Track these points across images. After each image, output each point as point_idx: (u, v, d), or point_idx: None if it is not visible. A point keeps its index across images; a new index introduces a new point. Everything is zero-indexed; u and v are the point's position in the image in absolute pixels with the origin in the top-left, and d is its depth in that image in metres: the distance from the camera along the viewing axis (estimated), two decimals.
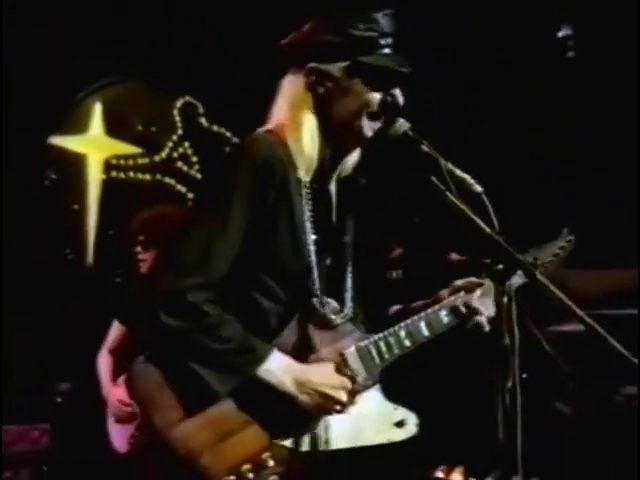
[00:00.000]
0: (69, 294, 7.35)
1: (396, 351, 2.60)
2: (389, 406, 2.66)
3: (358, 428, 2.59)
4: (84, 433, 5.89)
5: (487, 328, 2.66)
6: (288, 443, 2.51)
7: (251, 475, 2.43)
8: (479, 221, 2.37)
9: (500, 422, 2.24)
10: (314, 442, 2.51)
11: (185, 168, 8.12)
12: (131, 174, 7.91)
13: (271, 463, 2.46)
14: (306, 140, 2.54)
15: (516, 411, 2.23)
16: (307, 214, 2.53)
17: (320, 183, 2.60)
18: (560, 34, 7.17)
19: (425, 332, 2.64)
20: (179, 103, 8.03)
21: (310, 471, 2.55)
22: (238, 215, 2.41)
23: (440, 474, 6.58)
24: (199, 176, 8.15)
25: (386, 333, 2.62)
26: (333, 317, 2.58)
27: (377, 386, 2.66)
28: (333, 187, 2.66)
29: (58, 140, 7.67)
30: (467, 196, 2.41)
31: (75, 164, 7.83)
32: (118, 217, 7.66)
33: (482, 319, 2.68)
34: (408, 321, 2.64)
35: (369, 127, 2.55)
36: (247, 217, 2.42)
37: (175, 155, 8.10)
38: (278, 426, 2.48)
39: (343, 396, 2.48)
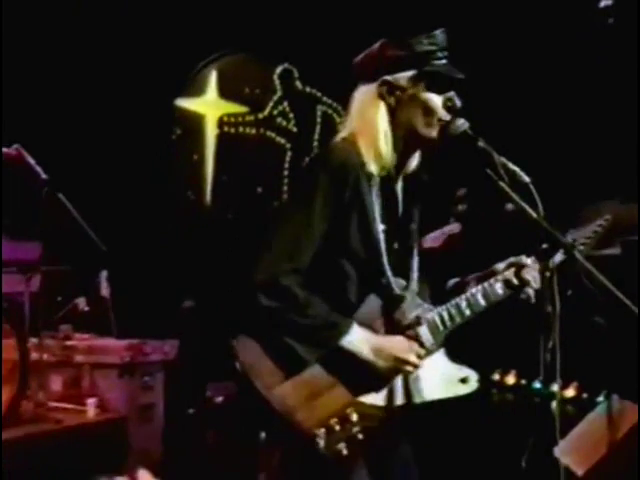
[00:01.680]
0: (191, 226, 8.05)
1: (458, 319, 2.65)
2: (454, 366, 2.70)
3: (428, 385, 2.64)
4: (205, 345, 6.19)
5: (533, 299, 2.68)
6: (369, 400, 2.57)
7: (338, 427, 2.50)
8: (527, 207, 2.46)
9: (541, 373, 2.40)
10: (391, 398, 2.59)
11: (284, 123, 8.67)
12: (240, 129, 8.48)
13: (354, 417, 2.54)
14: (381, 143, 2.58)
15: (556, 366, 2.38)
16: (377, 207, 2.58)
17: (389, 180, 2.65)
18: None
19: (482, 302, 2.67)
20: (278, 69, 8.56)
21: (388, 423, 2.60)
22: (319, 213, 2.50)
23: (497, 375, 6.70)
24: (295, 130, 8.70)
25: (449, 305, 2.65)
26: (401, 292, 2.62)
27: (442, 350, 2.69)
28: (400, 183, 2.70)
29: (182, 102, 8.32)
30: (517, 185, 2.50)
31: (195, 122, 8.41)
32: (230, 164, 8.46)
33: (530, 291, 2.68)
34: (468, 293, 2.67)
35: (434, 128, 2.60)
36: (327, 214, 2.51)
37: (275, 112, 8.63)
38: (359, 386, 2.54)
39: (412, 358, 2.54)
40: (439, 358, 2.66)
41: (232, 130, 8.49)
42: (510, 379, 6.55)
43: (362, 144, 2.57)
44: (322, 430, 2.44)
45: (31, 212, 5.60)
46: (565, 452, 3.33)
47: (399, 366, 2.53)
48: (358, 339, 2.49)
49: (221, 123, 8.47)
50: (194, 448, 5.74)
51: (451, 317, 2.62)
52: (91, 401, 5.53)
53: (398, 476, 2.70)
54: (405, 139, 2.60)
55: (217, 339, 2.85)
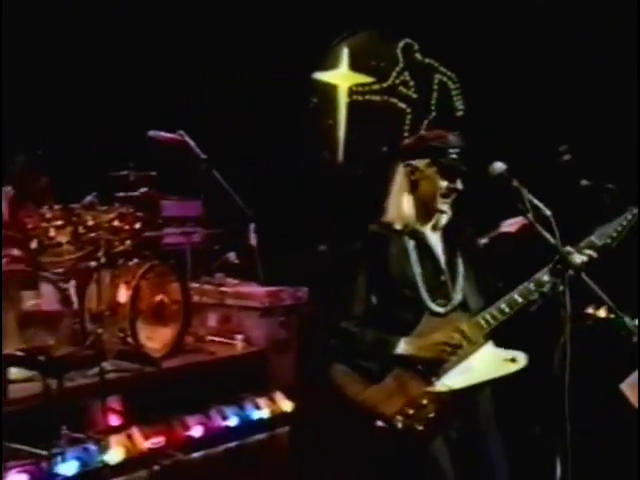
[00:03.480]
0: (327, 181, 8.55)
1: (499, 316, 2.94)
2: (502, 351, 2.98)
3: (481, 369, 2.95)
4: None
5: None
6: (433, 388, 2.92)
7: (412, 411, 2.87)
8: (547, 235, 2.80)
9: (556, 365, 2.75)
10: (450, 383, 2.93)
11: (405, 90, 9.00)
12: (367, 97, 8.87)
13: (424, 401, 2.88)
14: (404, 207, 3.04)
15: (566, 356, 2.71)
16: (414, 257, 3.02)
17: (422, 235, 3.07)
18: None
19: (520, 300, 2.94)
20: (401, 44, 8.90)
21: (456, 403, 2.93)
22: (360, 279, 3.02)
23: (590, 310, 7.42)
24: (415, 96, 8.99)
25: (491, 308, 2.96)
26: (443, 309, 3.00)
27: (490, 342, 2.99)
28: (437, 235, 3.10)
29: (319, 75, 8.83)
30: (540, 216, 2.83)
31: (330, 91, 8.92)
32: (359, 127, 8.89)
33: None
34: (506, 297, 2.95)
35: (442, 203, 3.02)
36: (365, 278, 3.01)
37: (397, 82, 8.97)
38: (422, 378, 2.92)
39: (451, 341, 2.90)
40: (488, 348, 2.99)
41: (360, 98, 8.90)
42: (602, 313, 6.90)
43: (392, 212, 3.08)
44: (400, 417, 2.87)
45: (193, 181, 6.39)
46: (629, 385, 3.79)
47: (442, 351, 2.90)
48: (405, 346, 2.92)
49: (351, 92, 8.91)
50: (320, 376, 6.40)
51: (493, 317, 2.95)
52: (239, 336, 6.11)
53: (472, 443, 3.03)
54: (425, 205, 3.06)
55: (344, 277, 3.17)
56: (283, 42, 8.02)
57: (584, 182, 4.63)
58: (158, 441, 5.03)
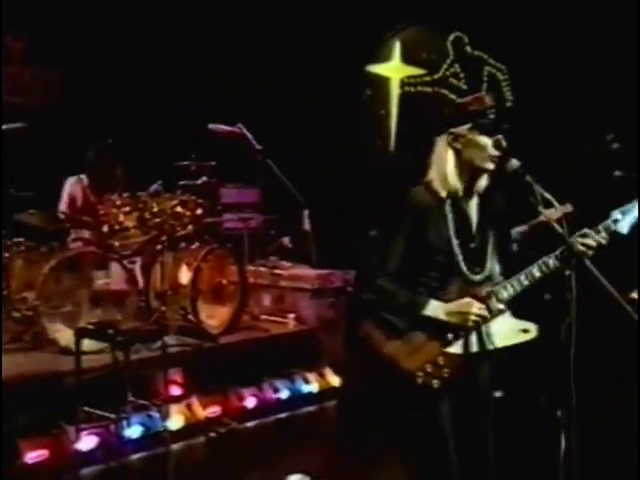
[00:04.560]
0: (379, 168, 8.63)
1: (518, 288, 3.04)
2: (517, 321, 3.07)
3: (498, 337, 3.05)
4: None
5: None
6: (451, 350, 3.01)
7: (430, 369, 2.98)
8: (557, 225, 2.95)
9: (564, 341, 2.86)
10: (468, 347, 3.03)
11: (455, 82, 9.10)
12: (418, 88, 9.03)
13: (442, 361, 2.99)
14: (449, 174, 3.04)
15: (571, 333, 2.86)
16: (451, 222, 3.05)
17: (460, 201, 3.08)
18: None
19: (537, 274, 3.04)
20: (451, 37, 9.05)
21: (470, 365, 3.04)
22: (398, 236, 3.04)
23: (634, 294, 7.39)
24: (465, 87, 9.05)
25: (511, 279, 3.07)
26: (474, 278, 3.06)
27: (508, 311, 3.07)
28: (474, 200, 3.12)
29: (372, 68, 8.98)
30: (548, 207, 2.98)
31: (382, 83, 9.05)
32: (410, 117, 9.00)
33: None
34: (526, 270, 3.05)
35: (489, 162, 3.02)
36: (404, 236, 3.03)
37: (448, 73, 9.08)
38: (442, 339, 3.01)
39: (475, 310, 2.98)
40: (506, 317, 3.05)
41: (412, 89, 9.08)
42: None
43: (434, 180, 3.06)
44: (420, 373, 2.98)
45: (250, 170, 6.70)
46: None
47: (466, 319, 2.97)
48: (434, 308, 2.99)
49: (403, 84, 9.09)
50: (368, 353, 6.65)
51: (513, 287, 3.03)
52: (291, 315, 6.37)
53: (472, 403, 3.12)
54: (468, 170, 3.06)
55: (384, 235, 3.20)
56: (339, 36, 8.14)
57: (617, 173, 4.77)
58: (215, 410, 5.36)
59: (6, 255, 5.66)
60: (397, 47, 8.99)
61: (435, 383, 2.99)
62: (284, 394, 5.74)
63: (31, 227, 5.69)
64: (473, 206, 3.13)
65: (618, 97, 7.38)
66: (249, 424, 5.44)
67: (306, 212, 6.91)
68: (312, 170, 7.73)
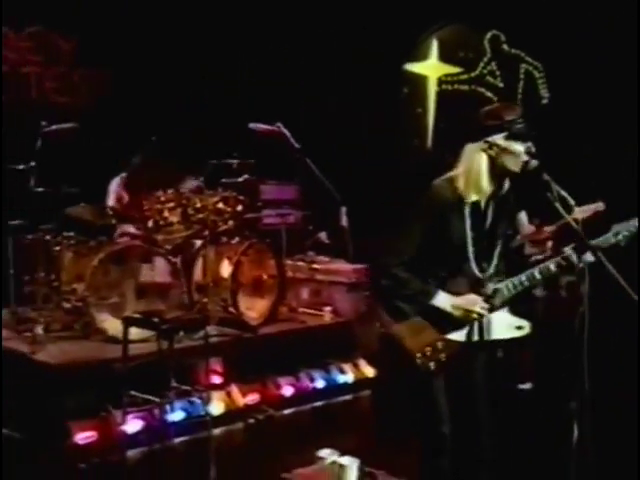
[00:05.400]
0: (416, 166, 8.57)
1: (519, 288, 3.25)
2: (514, 318, 3.29)
3: (495, 330, 3.26)
4: None
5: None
6: (451, 336, 3.26)
7: (429, 352, 3.23)
8: (572, 220, 3.14)
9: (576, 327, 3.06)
10: (468, 336, 3.27)
11: (492, 80, 9.28)
12: (455, 86, 9.22)
13: (440, 346, 3.24)
14: (483, 181, 3.21)
15: (584, 324, 3.05)
16: (468, 220, 3.24)
17: (479, 203, 3.26)
18: None
19: (539, 277, 3.24)
20: (488, 35, 9.25)
21: (465, 353, 3.28)
22: (415, 228, 3.24)
23: None
24: (501, 85, 9.23)
25: (513, 278, 3.26)
26: (481, 274, 3.27)
27: (506, 307, 3.29)
28: (492, 204, 3.29)
29: (409, 66, 9.16)
30: (565, 205, 3.16)
31: (420, 82, 9.25)
32: (447, 115, 9.16)
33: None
34: (527, 271, 3.25)
35: (518, 166, 3.18)
36: (421, 228, 3.22)
37: (485, 72, 9.26)
38: (445, 328, 3.25)
39: (477, 309, 3.21)
40: (505, 312, 3.28)
41: (449, 87, 9.30)
42: None
43: (462, 181, 3.22)
44: (420, 353, 3.23)
45: (289, 168, 6.91)
46: None
47: (468, 315, 3.22)
48: (442, 299, 3.22)
49: (440, 82, 9.28)
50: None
51: (515, 286, 3.25)
52: (327, 308, 6.58)
53: (466, 387, 3.36)
54: (499, 175, 3.23)
55: (402, 225, 3.35)
56: (376, 35, 8.37)
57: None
58: (253, 398, 5.62)
59: (57, 248, 5.98)
60: (434, 46, 9.16)
61: (432, 365, 3.23)
62: (320, 383, 5.98)
63: (82, 221, 5.98)
64: (491, 206, 3.31)
65: None
66: (286, 411, 5.68)
67: (343, 209, 7.04)
68: (350, 168, 7.89)
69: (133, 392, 4.78)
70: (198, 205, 5.91)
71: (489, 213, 3.30)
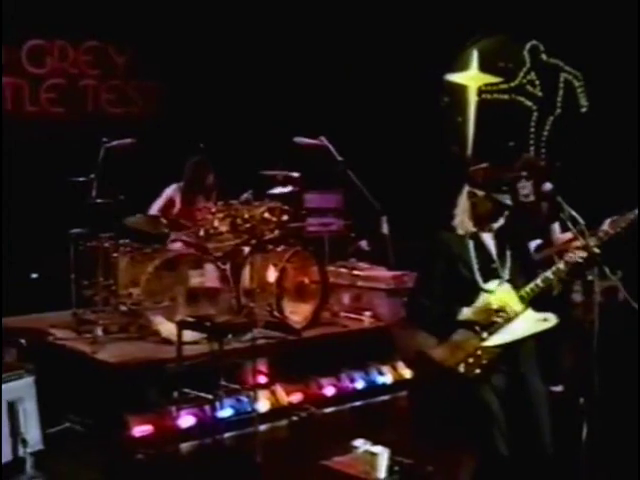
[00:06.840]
0: (456, 174, 8.99)
1: (536, 289, 3.65)
2: (537, 313, 3.67)
3: (522, 328, 3.65)
4: None
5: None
6: (487, 343, 3.63)
7: (471, 360, 3.58)
8: (580, 237, 3.64)
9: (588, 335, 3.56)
10: (500, 340, 3.64)
11: (531, 89, 9.43)
12: (495, 95, 9.40)
13: (480, 353, 3.59)
14: (465, 219, 3.72)
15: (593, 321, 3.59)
16: (472, 253, 3.71)
17: (478, 237, 3.74)
18: None
19: (552, 277, 3.65)
20: (527, 46, 9.36)
21: (502, 354, 3.63)
22: (433, 272, 3.74)
23: None
24: (540, 94, 9.40)
25: (530, 284, 3.68)
26: (492, 287, 3.71)
27: (530, 308, 3.67)
28: (490, 236, 3.76)
29: (450, 76, 9.40)
30: (574, 222, 3.67)
31: (460, 91, 9.46)
32: (487, 124, 9.36)
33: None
34: (542, 275, 3.66)
35: (495, 217, 3.72)
36: (438, 271, 3.71)
37: (524, 81, 9.40)
38: (478, 337, 3.63)
39: (494, 307, 3.63)
40: (528, 312, 3.68)
41: (489, 97, 9.49)
42: None
43: (457, 223, 3.79)
44: (463, 364, 3.62)
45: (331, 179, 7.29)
46: None
47: (490, 315, 3.64)
48: (466, 313, 3.67)
49: (480, 91, 9.48)
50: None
51: (532, 290, 3.67)
52: (367, 313, 6.89)
53: (515, 386, 3.69)
54: (482, 218, 3.75)
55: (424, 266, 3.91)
56: (418, 46, 8.68)
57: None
58: (297, 397, 5.99)
59: (115, 255, 6.47)
60: (475, 56, 9.38)
61: (478, 370, 3.62)
62: (360, 384, 6.31)
63: (138, 230, 6.43)
64: (489, 236, 3.79)
65: None
66: (327, 410, 6.04)
67: (384, 218, 7.39)
68: (394, 176, 8.24)
69: (186, 390, 5.20)
70: (246, 215, 6.33)
71: (490, 242, 3.78)
